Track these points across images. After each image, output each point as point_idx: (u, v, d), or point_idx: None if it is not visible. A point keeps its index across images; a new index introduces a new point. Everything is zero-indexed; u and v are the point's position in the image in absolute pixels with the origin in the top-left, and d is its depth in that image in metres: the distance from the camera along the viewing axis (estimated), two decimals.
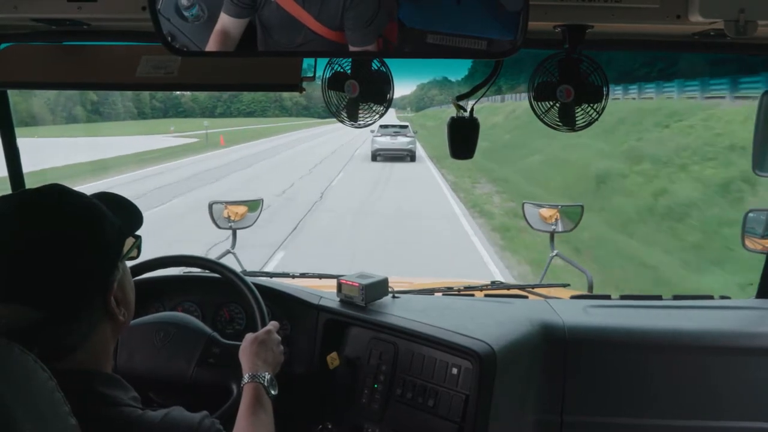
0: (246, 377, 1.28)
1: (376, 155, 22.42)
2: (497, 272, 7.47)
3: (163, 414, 0.98)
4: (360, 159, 24.08)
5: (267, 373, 1.30)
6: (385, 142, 22.53)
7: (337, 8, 1.05)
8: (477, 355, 1.47)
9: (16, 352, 0.73)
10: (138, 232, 1.13)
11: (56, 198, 0.96)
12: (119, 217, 1.03)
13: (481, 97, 1.47)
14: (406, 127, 24.36)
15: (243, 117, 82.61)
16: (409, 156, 22.59)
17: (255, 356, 1.33)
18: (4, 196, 0.97)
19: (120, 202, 1.07)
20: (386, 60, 1.36)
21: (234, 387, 1.47)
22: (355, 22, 1.06)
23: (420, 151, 24.61)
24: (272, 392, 1.28)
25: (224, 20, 1.09)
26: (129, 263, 1.59)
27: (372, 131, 22.62)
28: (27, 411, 0.70)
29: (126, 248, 1.05)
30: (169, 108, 78.23)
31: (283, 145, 33.14)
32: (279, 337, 1.43)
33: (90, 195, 1.06)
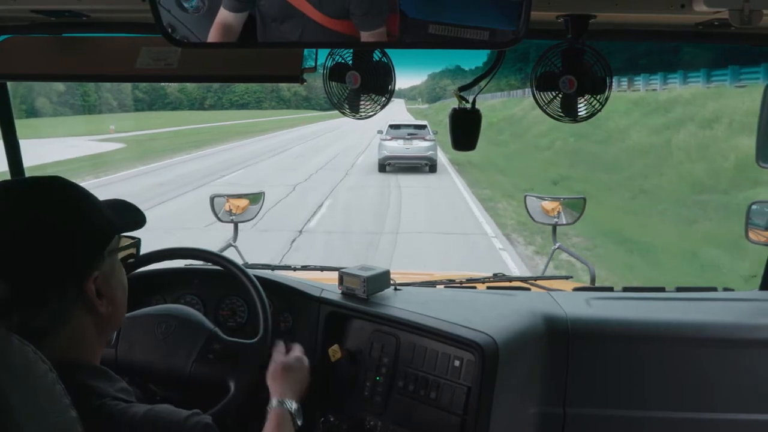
0: (274, 402, 1.33)
1: (385, 164, 18.36)
2: None
3: (148, 408, 0.96)
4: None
5: (294, 403, 1.34)
6: (397, 147, 18.22)
7: None
8: (479, 347, 1.47)
9: (15, 342, 0.73)
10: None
11: (47, 186, 0.97)
12: (119, 216, 1.04)
13: (483, 88, 1.47)
14: (424, 127, 19.39)
15: (235, 109, 79.89)
16: (428, 165, 18.42)
17: (284, 383, 1.38)
18: (4, 181, 1.00)
19: (126, 206, 1.10)
20: (390, 51, 1.35)
21: (231, 384, 1.48)
22: (359, 6, 1.05)
23: (439, 156, 19.35)
24: (298, 423, 1.32)
25: (224, 14, 1.09)
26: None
27: (379, 132, 19.01)
28: (25, 401, 0.70)
29: (116, 243, 1.05)
30: (154, 99, 74.54)
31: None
32: (308, 366, 1.48)
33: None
